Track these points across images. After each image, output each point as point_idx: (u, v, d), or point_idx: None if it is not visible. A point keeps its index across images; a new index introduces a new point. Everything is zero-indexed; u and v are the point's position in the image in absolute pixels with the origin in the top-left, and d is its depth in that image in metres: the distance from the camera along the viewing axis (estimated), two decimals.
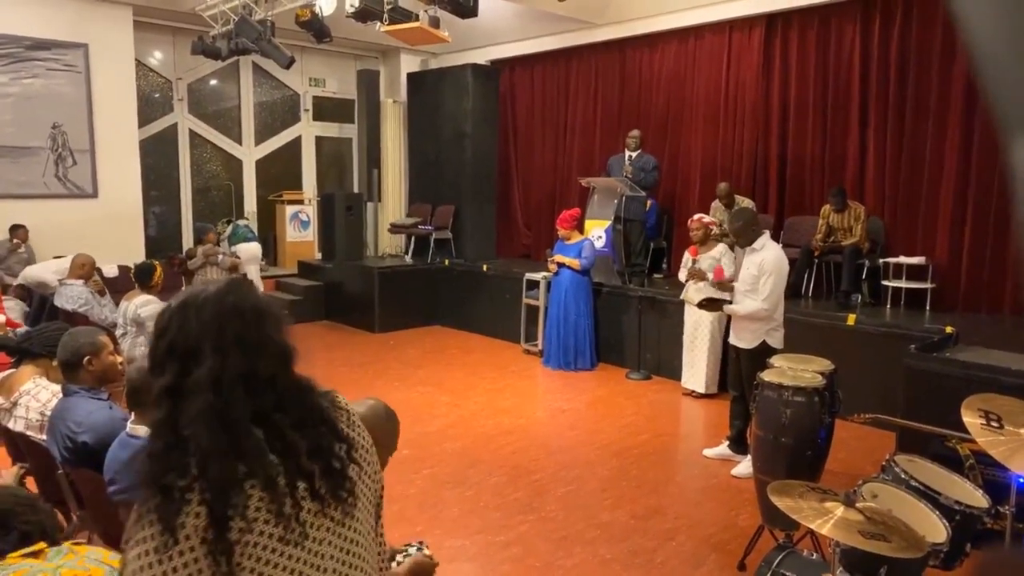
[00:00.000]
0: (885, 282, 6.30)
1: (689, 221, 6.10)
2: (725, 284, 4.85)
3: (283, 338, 1.21)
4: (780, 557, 2.55)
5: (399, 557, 2.17)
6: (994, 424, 2.56)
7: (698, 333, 6.21)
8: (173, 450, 1.08)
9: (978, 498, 2.61)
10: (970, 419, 2.60)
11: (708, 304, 4.82)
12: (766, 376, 3.56)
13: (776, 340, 4.42)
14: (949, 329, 5.19)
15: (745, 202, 7.10)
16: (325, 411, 1.22)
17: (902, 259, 6.24)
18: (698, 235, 5.87)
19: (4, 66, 7.58)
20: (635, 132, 7.83)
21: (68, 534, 3.21)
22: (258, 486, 1.09)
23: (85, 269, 6.51)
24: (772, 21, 7.44)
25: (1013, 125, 0.50)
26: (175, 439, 1.09)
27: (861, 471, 4.10)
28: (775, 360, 3.85)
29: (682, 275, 6.15)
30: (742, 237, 4.49)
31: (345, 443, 1.21)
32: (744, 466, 4.57)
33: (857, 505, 2.16)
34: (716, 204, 7.13)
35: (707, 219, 6.03)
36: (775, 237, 7.25)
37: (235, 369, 1.12)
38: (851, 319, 5.76)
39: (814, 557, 2.63)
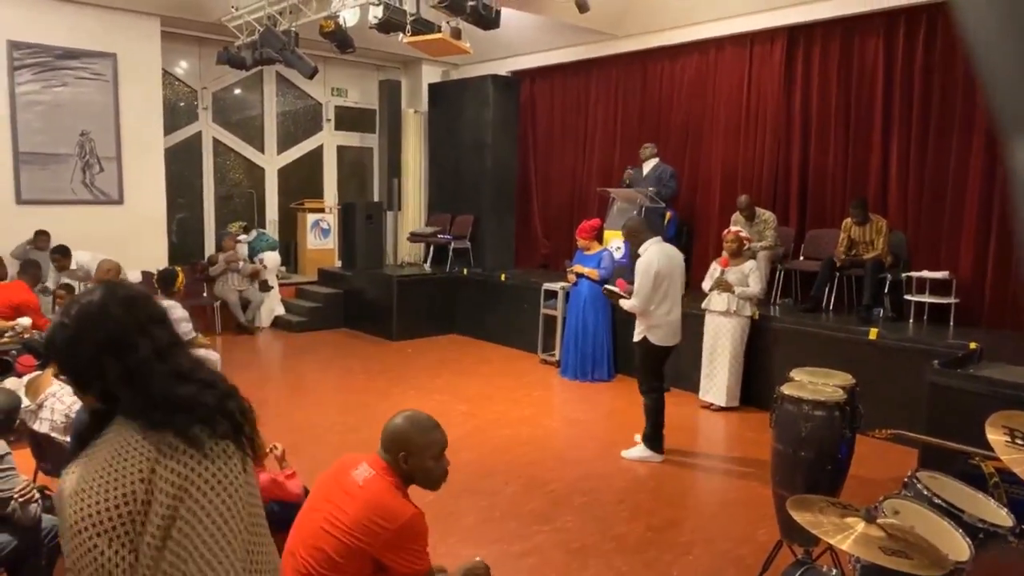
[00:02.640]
0: (908, 296, 6.23)
1: (725, 233, 6.19)
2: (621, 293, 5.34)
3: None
4: (799, 573, 2.52)
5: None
6: (1019, 442, 2.51)
7: (718, 345, 6.17)
8: (164, 406, 1.35)
9: (1003, 516, 2.56)
10: (994, 436, 2.56)
11: (609, 294, 5.42)
12: (786, 389, 3.52)
13: (656, 337, 4.91)
14: (973, 345, 5.12)
15: (766, 214, 7.07)
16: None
17: (925, 273, 6.16)
18: (732, 248, 5.98)
19: (35, 75, 7.75)
20: (648, 144, 7.84)
21: None
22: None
23: (110, 275, 6.61)
24: (794, 34, 7.41)
25: (1013, 126, 0.50)
26: (151, 401, 1.34)
27: (882, 487, 4.04)
28: (795, 374, 3.81)
29: (706, 285, 6.19)
30: (628, 240, 5.31)
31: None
32: (637, 451, 5.04)
33: (878, 521, 2.13)
34: (736, 216, 7.10)
35: (744, 234, 6.11)
36: (796, 249, 7.25)
37: (164, 340, 1.39)
38: (873, 333, 5.70)
39: (833, 573, 2.60)
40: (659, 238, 5.07)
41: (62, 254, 7.13)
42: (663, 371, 5.10)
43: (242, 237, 9.28)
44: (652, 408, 5.03)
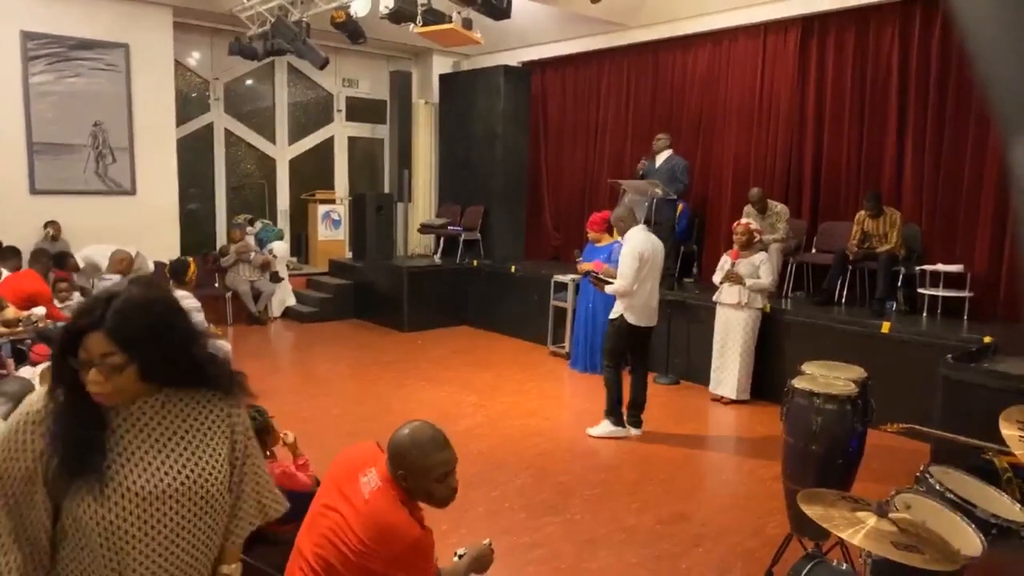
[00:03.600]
0: (921, 290, 6.18)
1: (734, 225, 6.19)
2: (610, 273, 5.57)
3: None
4: (809, 567, 2.51)
5: (459, 551, 2.28)
6: None
7: (729, 338, 6.15)
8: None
9: (1016, 512, 2.54)
10: (1008, 431, 2.54)
11: (595, 282, 5.63)
12: (797, 383, 3.50)
13: (632, 317, 5.15)
14: (987, 339, 5.07)
15: (778, 207, 7.03)
16: None
17: (939, 267, 6.11)
18: (742, 240, 5.98)
19: (48, 65, 7.79)
20: (661, 135, 7.76)
21: None
22: None
23: (124, 264, 6.67)
24: (808, 24, 7.33)
25: (1012, 125, 0.50)
26: (214, 368, 1.60)
27: (894, 482, 4.02)
28: (807, 367, 3.79)
29: (717, 277, 6.17)
30: (615, 227, 5.53)
31: None
32: (601, 427, 5.32)
33: (890, 516, 2.12)
34: (748, 209, 7.06)
35: (754, 226, 6.09)
36: (808, 242, 7.20)
37: None
38: (886, 327, 5.66)
39: (844, 567, 2.59)
40: (643, 226, 5.42)
41: (61, 265, 6.95)
42: (629, 353, 5.33)
43: (248, 229, 9.32)
44: (612, 382, 5.32)
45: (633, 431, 5.36)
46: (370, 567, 1.97)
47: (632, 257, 5.11)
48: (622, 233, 5.37)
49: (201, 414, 1.59)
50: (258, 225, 9.64)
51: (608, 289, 5.29)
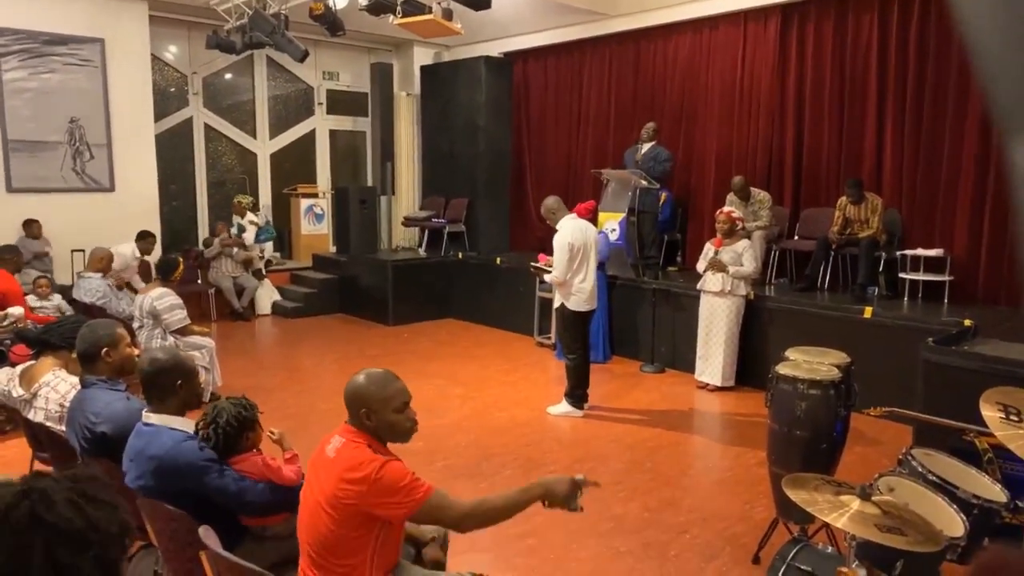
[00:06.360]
0: (902, 275, 6.24)
1: (717, 213, 6.22)
2: (549, 263, 5.72)
3: None
4: (795, 550, 2.54)
5: None
6: (1013, 418, 2.53)
7: (713, 325, 6.18)
8: None
9: (996, 492, 2.58)
10: (989, 413, 2.57)
11: (536, 270, 5.98)
12: (781, 369, 3.53)
13: (573, 303, 5.39)
14: (967, 322, 5.14)
15: (761, 195, 7.06)
16: None
17: (920, 251, 6.17)
18: (724, 228, 6.03)
19: (22, 61, 7.66)
20: (650, 124, 7.77)
21: None
22: None
23: (103, 263, 6.60)
24: (788, 11, 7.36)
25: (1012, 124, 0.50)
26: None
27: (877, 465, 4.07)
28: (790, 353, 3.82)
29: (700, 265, 6.20)
30: (546, 218, 5.64)
31: None
32: (560, 407, 5.56)
33: (873, 499, 2.14)
34: (731, 197, 7.09)
35: (736, 214, 6.13)
36: (791, 228, 7.25)
37: None
38: (868, 312, 5.71)
39: (829, 550, 2.61)
40: (573, 215, 5.56)
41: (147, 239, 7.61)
42: (584, 335, 5.56)
43: (250, 216, 9.21)
44: (573, 368, 5.53)
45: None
46: (357, 507, 1.99)
47: (562, 248, 5.30)
48: (554, 224, 5.49)
49: None
50: (262, 219, 9.56)
51: (547, 278, 5.58)
